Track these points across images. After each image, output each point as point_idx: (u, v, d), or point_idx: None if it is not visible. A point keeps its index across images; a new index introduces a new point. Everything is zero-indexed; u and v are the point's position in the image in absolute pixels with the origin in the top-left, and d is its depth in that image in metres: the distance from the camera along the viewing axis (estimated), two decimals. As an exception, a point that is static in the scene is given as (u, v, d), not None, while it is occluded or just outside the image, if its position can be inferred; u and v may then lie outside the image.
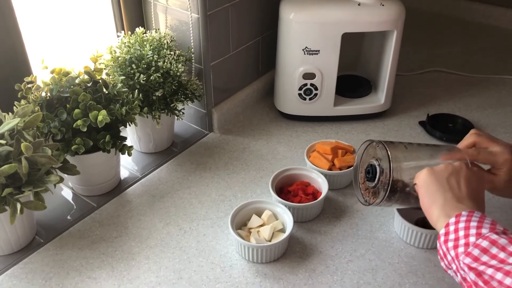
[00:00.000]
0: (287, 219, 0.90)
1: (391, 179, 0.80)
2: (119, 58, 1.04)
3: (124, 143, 0.97)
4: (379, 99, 1.27)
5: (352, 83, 1.32)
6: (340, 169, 1.04)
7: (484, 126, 1.26)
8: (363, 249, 0.91)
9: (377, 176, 0.84)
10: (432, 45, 1.69)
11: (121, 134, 0.98)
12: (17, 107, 0.86)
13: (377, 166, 0.85)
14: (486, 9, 1.83)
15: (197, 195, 1.04)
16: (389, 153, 0.81)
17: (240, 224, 0.92)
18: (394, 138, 1.21)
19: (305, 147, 1.09)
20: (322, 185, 0.99)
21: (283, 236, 0.87)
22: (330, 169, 1.03)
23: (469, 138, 0.85)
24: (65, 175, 0.92)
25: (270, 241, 0.88)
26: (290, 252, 0.90)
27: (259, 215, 0.93)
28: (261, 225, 0.91)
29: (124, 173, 1.10)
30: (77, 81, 0.95)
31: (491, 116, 1.30)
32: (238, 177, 1.09)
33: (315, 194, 0.98)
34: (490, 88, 1.43)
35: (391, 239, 0.93)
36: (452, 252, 0.65)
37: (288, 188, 1.00)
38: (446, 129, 1.24)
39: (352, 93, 1.28)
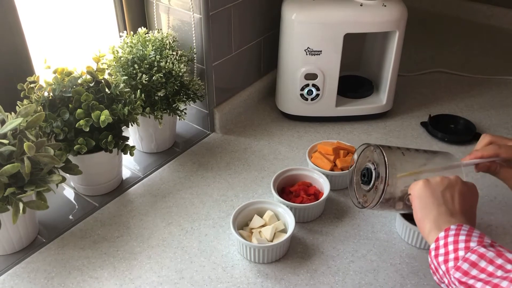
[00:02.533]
0: (289, 220, 0.90)
1: (386, 185, 0.79)
2: (122, 58, 1.04)
3: (126, 143, 0.97)
4: (381, 99, 1.27)
5: (354, 84, 1.32)
6: (342, 169, 1.04)
7: (486, 127, 1.26)
8: (364, 250, 0.91)
9: (373, 180, 0.84)
10: (433, 45, 1.69)
11: (123, 134, 0.98)
12: (19, 107, 0.86)
13: (373, 170, 0.84)
14: (488, 10, 1.83)
15: (198, 195, 1.04)
16: (386, 159, 0.80)
17: (242, 225, 0.92)
18: (396, 139, 1.21)
19: (307, 147, 1.09)
20: (324, 185, 0.99)
21: (284, 236, 0.87)
22: (331, 169, 1.03)
23: (484, 138, 0.85)
24: (67, 174, 0.92)
25: (271, 241, 0.88)
26: (292, 253, 0.90)
27: (261, 215, 0.93)
28: (263, 226, 0.91)
29: (126, 173, 1.10)
30: (79, 81, 0.95)
31: (493, 117, 1.30)
32: (240, 177, 1.09)
33: (316, 194, 0.98)
34: (492, 89, 1.43)
35: (392, 239, 0.93)
36: (443, 267, 0.66)
37: (290, 188, 1.00)
38: (448, 129, 1.24)
39: (354, 94, 1.28)
